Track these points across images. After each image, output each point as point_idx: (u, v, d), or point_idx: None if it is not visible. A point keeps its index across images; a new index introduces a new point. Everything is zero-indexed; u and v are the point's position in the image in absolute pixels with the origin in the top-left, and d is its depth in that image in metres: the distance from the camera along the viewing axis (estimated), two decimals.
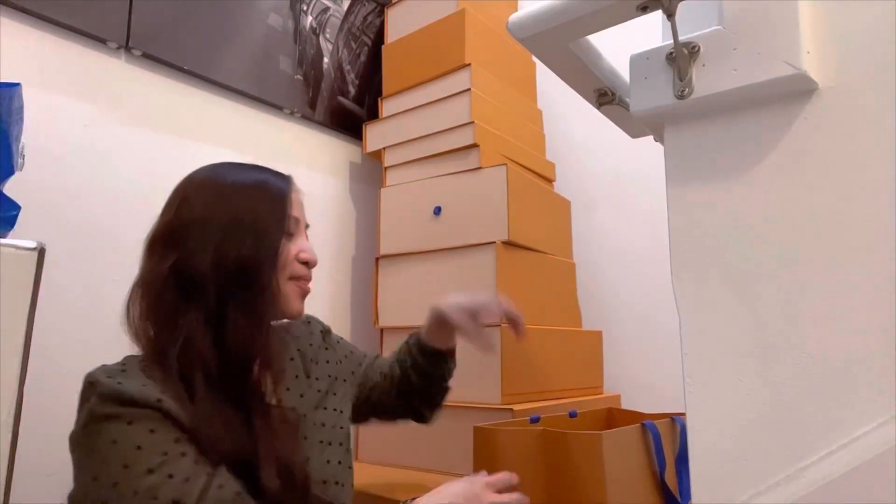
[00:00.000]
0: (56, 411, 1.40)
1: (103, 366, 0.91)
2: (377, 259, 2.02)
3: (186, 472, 0.80)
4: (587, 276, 2.23)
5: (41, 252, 0.88)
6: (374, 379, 1.30)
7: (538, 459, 1.03)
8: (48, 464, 1.38)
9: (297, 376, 1.10)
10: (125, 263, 1.56)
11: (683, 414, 0.73)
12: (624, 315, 2.23)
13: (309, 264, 1.05)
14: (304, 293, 1.05)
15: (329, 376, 1.16)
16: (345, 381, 1.20)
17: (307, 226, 1.08)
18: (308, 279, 1.06)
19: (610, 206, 2.35)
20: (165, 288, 0.92)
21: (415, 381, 1.28)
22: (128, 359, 0.93)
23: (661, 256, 0.88)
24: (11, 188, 1.05)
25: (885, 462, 0.56)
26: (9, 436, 0.83)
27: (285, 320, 1.08)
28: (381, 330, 1.96)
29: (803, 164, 0.67)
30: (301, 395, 1.08)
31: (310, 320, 1.26)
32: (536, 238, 1.88)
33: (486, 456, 1.04)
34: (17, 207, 1.05)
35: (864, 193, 0.63)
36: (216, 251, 0.93)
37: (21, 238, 0.87)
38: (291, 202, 1.03)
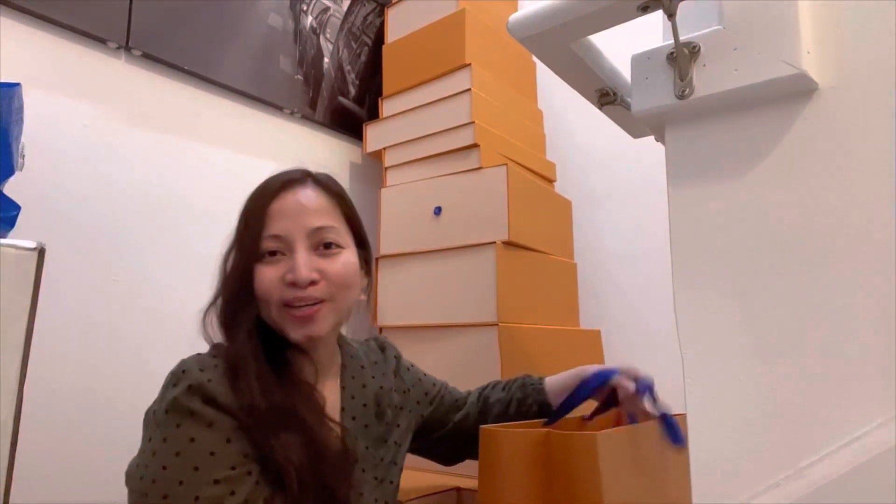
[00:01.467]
0: (56, 411, 1.40)
1: (198, 355, 0.92)
2: (377, 259, 2.02)
3: (246, 495, 0.82)
4: (588, 276, 2.23)
5: (41, 252, 0.88)
6: (451, 412, 1.25)
7: (542, 462, 1.02)
8: (48, 464, 1.38)
9: (364, 405, 1.06)
10: (125, 263, 1.57)
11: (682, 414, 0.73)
12: (624, 315, 2.23)
13: (295, 285, 0.92)
14: (301, 318, 0.93)
15: (396, 406, 1.12)
16: (410, 411, 1.16)
17: (319, 228, 0.97)
18: (300, 298, 0.93)
19: (611, 206, 2.35)
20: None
21: (511, 418, 1.22)
22: (219, 352, 0.93)
23: (661, 256, 0.88)
24: (11, 188, 1.05)
25: (885, 462, 0.56)
26: (9, 436, 0.83)
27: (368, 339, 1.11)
28: (380, 329, 1.96)
29: (803, 163, 0.67)
30: (366, 427, 1.04)
31: (384, 346, 1.21)
32: (537, 238, 1.88)
33: (491, 458, 1.03)
34: (17, 207, 1.05)
35: (864, 193, 0.63)
36: (222, 279, 0.99)
37: (21, 238, 0.87)
38: (269, 220, 0.96)
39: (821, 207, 0.65)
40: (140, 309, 1.59)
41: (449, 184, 1.90)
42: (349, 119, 2.30)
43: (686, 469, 1.03)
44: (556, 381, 1.25)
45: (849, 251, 0.63)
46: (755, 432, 0.65)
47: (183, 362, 0.88)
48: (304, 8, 2.16)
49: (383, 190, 2.07)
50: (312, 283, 0.93)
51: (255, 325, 0.94)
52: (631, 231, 2.27)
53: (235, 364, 0.89)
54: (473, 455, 1.09)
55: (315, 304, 0.94)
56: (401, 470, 1.11)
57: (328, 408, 0.97)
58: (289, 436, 0.86)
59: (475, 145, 1.86)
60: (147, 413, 0.88)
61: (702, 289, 0.71)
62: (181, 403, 0.83)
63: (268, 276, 0.93)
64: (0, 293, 0.83)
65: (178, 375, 0.86)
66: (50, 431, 1.39)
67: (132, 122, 1.63)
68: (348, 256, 0.99)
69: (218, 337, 0.96)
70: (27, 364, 0.85)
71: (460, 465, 1.28)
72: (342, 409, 1.02)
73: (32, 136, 1.31)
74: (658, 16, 0.76)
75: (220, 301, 0.97)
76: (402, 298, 1.94)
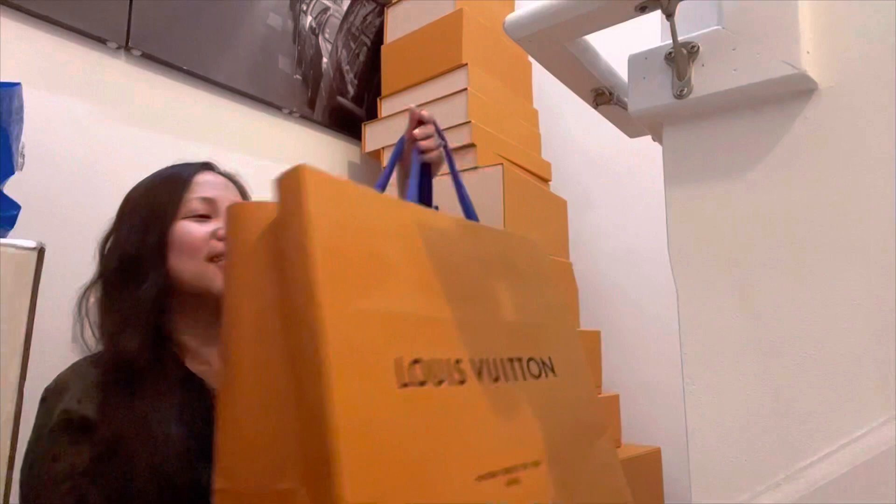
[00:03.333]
0: None
1: (56, 377, 0.99)
2: None
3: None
4: (584, 276, 2.23)
5: (41, 252, 0.88)
6: None
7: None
8: None
9: None
10: None
11: None
12: (622, 315, 2.23)
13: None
14: None
15: None
16: None
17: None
18: None
19: (607, 206, 2.35)
20: (98, 296, 1.03)
21: None
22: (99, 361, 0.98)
23: (659, 256, 0.88)
24: (11, 188, 1.05)
25: (885, 462, 0.56)
26: (9, 436, 0.83)
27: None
28: None
29: (803, 163, 0.67)
30: None
31: None
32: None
33: (234, 241, 0.90)
34: (17, 207, 1.05)
35: (864, 193, 0.63)
36: (109, 257, 1.02)
37: (21, 238, 0.87)
38: (193, 185, 1.02)
39: (820, 207, 0.65)
40: None
41: (446, 183, 1.89)
42: (348, 119, 2.30)
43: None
44: None
45: (849, 251, 0.63)
46: (755, 432, 0.65)
47: (46, 389, 0.95)
48: (304, 8, 2.16)
49: None
50: None
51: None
52: (626, 231, 2.28)
53: (114, 327, 0.95)
54: None
55: None
56: None
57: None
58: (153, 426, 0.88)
59: (471, 145, 1.86)
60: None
61: (700, 289, 0.71)
62: (40, 434, 0.89)
63: (199, 231, 0.98)
64: (0, 293, 0.83)
65: (41, 403, 0.93)
66: None
67: (132, 122, 1.63)
68: None
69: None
70: (27, 364, 0.85)
71: None
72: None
73: (32, 136, 1.31)
74: (656, 16, 0.77)
75: (103, 281, 1.01)
76: None
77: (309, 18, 2.18)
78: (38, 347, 0.89)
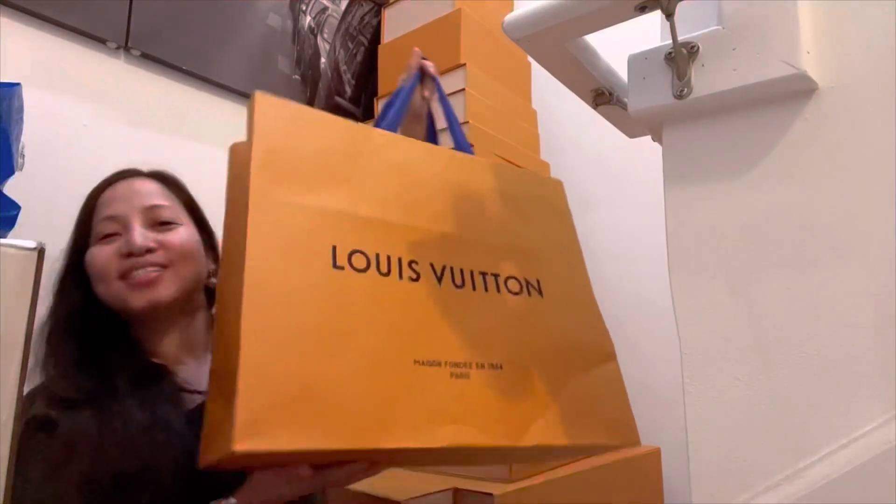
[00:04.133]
0: None
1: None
2: None
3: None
4: None
5: (41, 252, 0.88)
6: None
7: None
8: None
9: None
10: None
11: None
12: (621, 315, 2.23)
13: (132, 255, 0.93)
14: (140, 284, 0.93)
15: None
16: None
17: (154, 206, 0.99)
18: (137, 267, 0.94)
19: (605, 207, 2.35)
20: None
21: None
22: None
23: (657, 257, 0.88)
24: (11, 188, 1.05)
25: (885, 462, 0.56)
26: (9, 436, 0.83)
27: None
28: None
29: (803, 164, 0.67)
30: None
31: None
32: None
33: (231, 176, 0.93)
34: (17, 207, 1.05)
35: (864, 193, 0.63)
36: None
37: (21, 238, 0.87)
38: (99, 207, 1.00)
39: (820, 207, 0.65)
40: None
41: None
42: (345, 118, 2.30)
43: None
44: None
45: (849, 251, 0.63)
46: (755, 432, 0.65)
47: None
48: (304, 8, 2.16)
49: None
50: (149, 251, 0.95)
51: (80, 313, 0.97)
52: (625, 231, 2.28)
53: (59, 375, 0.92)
54: None
55: (154, 270, 0.95)
56: None
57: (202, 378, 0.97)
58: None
59: (470, 145, 1.85)
60: None
61: (700, 289, 0.71)
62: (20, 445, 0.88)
63: (103, 252, 0.95)
64: (0, 293, 0.83)
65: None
66: None
67: (132, 122, 1.63)
68: (188, 231, 1.02)
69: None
70: (27, 364, 0.85)
71: (459, 465, 1.27)
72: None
73: (32, 136, 1.31)
74: (656, 16, 0.77)
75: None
76: None
77: (308, 18, 2.18)
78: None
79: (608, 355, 0.97)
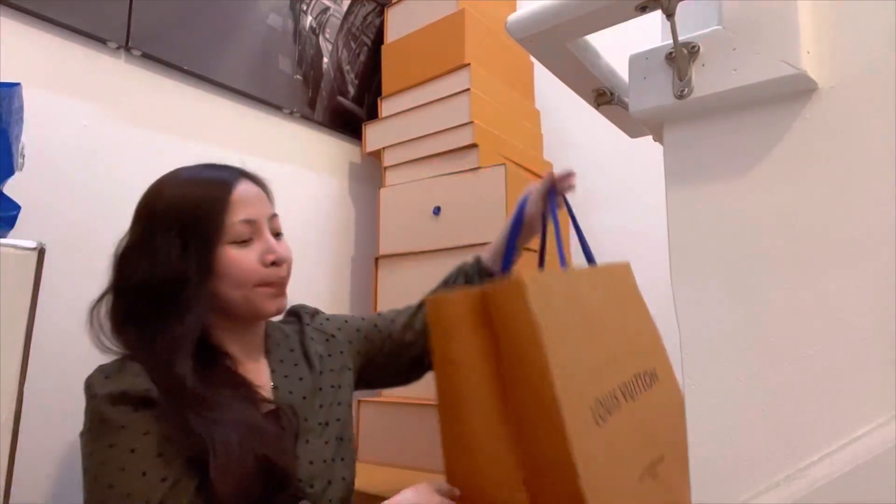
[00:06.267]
0: (56, 411, 1.40)
1: (101, 367, 0.94)
2: (377, 259, 2.02)
3: (177, 475, 0.84)
4: None
5: (41, 252, 0.88)
6: (387, 330, 1.29)
7: (485, 321, 0.98)
8: (48, 464, 1.38)
9: (296, 364, 1.11)
10: None
11: None
12: None
13: (278, 264, 1.01)
14: (276, 293, 1.02)
15: (323, 355, 1.16)
16: (342, 352, 1.20)
17: (273, 215, 1.05)
18: (282, 282, 1.03)
19: (608, 206, 2.35)
20: (113, 306, 0.99)
21: None
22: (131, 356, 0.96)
23: (659, 257, 0.88)
24: (11, 188, 1.05)
25: (885, 462, 0.56)
26: (9, 436, 0.83)
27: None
28: None
29: (803, 163, 0.67)
30: (300, 379, 1.09)
31: (295, 310, 1.26)
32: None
33: (436, 326, 1.01)
34: (17, 207, 1.05)
35: (865, 193, 0.63)
36: (143, 275, 0.96)
37: (21, 238, 0.87)
38: (232, 205, 0.99)
39: (821, 207, 0.65)
40: None
41: (448, 184, 1.90)
42: (348, 119, 2.31)
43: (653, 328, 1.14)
44: (491, 246, 1.35)
45: (849, 251, 0.63)
46: (755, 432, 0.65)
47: (88, 379, 0.92)
48: (304, 8, 2.16)
49: (382, 190, 2.07)
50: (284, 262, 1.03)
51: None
52: (628, 231, 2.27)
53: (164, 353, 0.92)
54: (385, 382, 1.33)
55: (283, 280, 1.04)
56: (348, 405, 1.15)
57: (263, 382, 1.03)
58: (220, 415, 0.88)
59: (474, 145, 1.86)
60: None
61: (701, 289, 0.71)
62: (96, 417, 0.87)
63: (248, 258, 0.98)
64: (0, 293, 0.83)
65: (87, 391, 0.90)
66: (50, 431, 1.40)
67: (132, 122, 1.64)
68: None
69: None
70: (27, 364, 0.85)
71: None
72: (274, 387, 1.06)
73: (32, 136, 1.31)
74: (657, 15, 0.76)
75: (133, 300, 0.98)
76: (401, 299, 1.93)
77: (309, 18, 2.18)
78: (38, 347, 0.89)
79: None
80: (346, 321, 1.28)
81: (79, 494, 1.38)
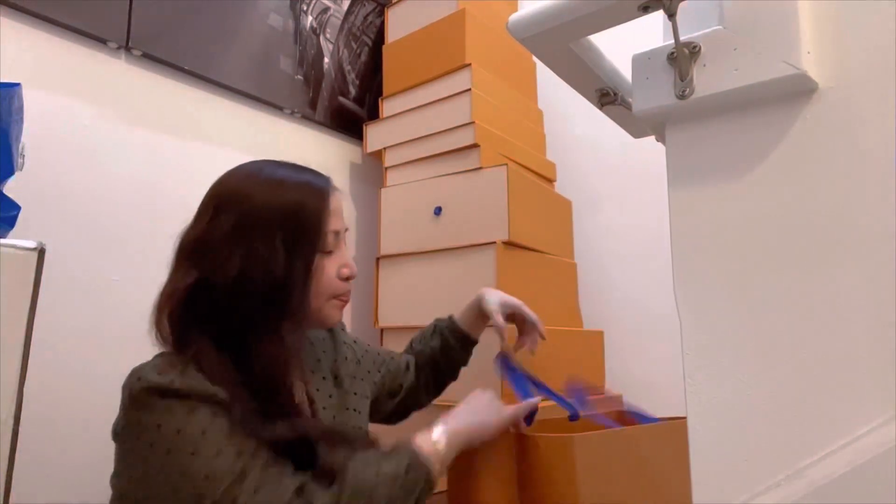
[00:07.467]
0: (56, 411, 1.40)
1: (146, 364, 0.88)
2: (377, 259, 2.02)
3: (253, 450, 0.81)
4: (588, 277, 2.23)
5: (41, 252, 0.88)
6: (403, 378, 1.31)
7: (510, 464, 1.01)
8: (48, 464, 1.38)
9: (324, 378, 1.09)
10: (125, 263, 1.56)
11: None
12: (625, 315, 2.23)
13: (350, 280, 1.01)
14: (342, 307, 1.03)
15: (351, 375, 1.16)
16: (362, 379, 1.19)
17: (347, 229, 1.03)
18: (348, 297, 1.03)
19: (611, 207, 2.35)
20: (184, 304, 0.90)
21: (442, 367, 1.33)
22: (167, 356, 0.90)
23: (662, 256, 0.88)
24: (11, 188, 1.05)
25: (885, 462, 0.56)
26: (9, 436, 0.83)
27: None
28: (381, 330, 1.96)
29: (804, 163, 0.67)
30: (330, 397, 1.08)
31: None
32: (537, 238, 1.88)
33: (460, 458, 1.01)
34: (17, 207, 1.05)
35: (865, 193, 0.63)
36: (240, 273, 0.88)
37: (21, 238, 0.87)
38: (329, 215, 0.96)
39: (821, 207, 0.65)
40: (140, 309, 1.59)
41: (449, 184, 1.90)
42: (349, 119, 2.30)
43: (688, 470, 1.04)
44: (464, 316, 1.37)
45: (849, 251, 0.63)
46: (755, 432, 0.65)
47: (136, 371, 0.85)
48: (304, 8, 2.16)
49: (383, 190, 2.07)
50: None
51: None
52: (631, 231, 2.27)
53: (266, 367, 0.88)
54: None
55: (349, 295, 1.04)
56: (366, 434, 1.15)
57: (300, 397, 1.01)
58: (275, 412, 0.87)
59: (475, 145, 1.86)
60: (115, 429, 0.86)
61: (702, 289, 0.71)
62: (152, 405, 0.81)
63: (331, 269, 0.98)
64: (0, 293, 0.83)
65: (134, 384, 0.83)
66: (50, 431, 1.39)
67: (132, 122, 1.63)
68: None
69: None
70: (27, 364, 0.85)
71: None
72: (311, 401, 1.05)
73: (32, 136, 1.31)
74: (659, 15, 0.76)
75: (226, 291, 0.89)
76: (402, 299, 1.94)
77: (310, 18, 2.18)
78: (38, 347, 0.89)
79: None
80: (367, 350, 1.27)
81: (79, 495, 1.39)
